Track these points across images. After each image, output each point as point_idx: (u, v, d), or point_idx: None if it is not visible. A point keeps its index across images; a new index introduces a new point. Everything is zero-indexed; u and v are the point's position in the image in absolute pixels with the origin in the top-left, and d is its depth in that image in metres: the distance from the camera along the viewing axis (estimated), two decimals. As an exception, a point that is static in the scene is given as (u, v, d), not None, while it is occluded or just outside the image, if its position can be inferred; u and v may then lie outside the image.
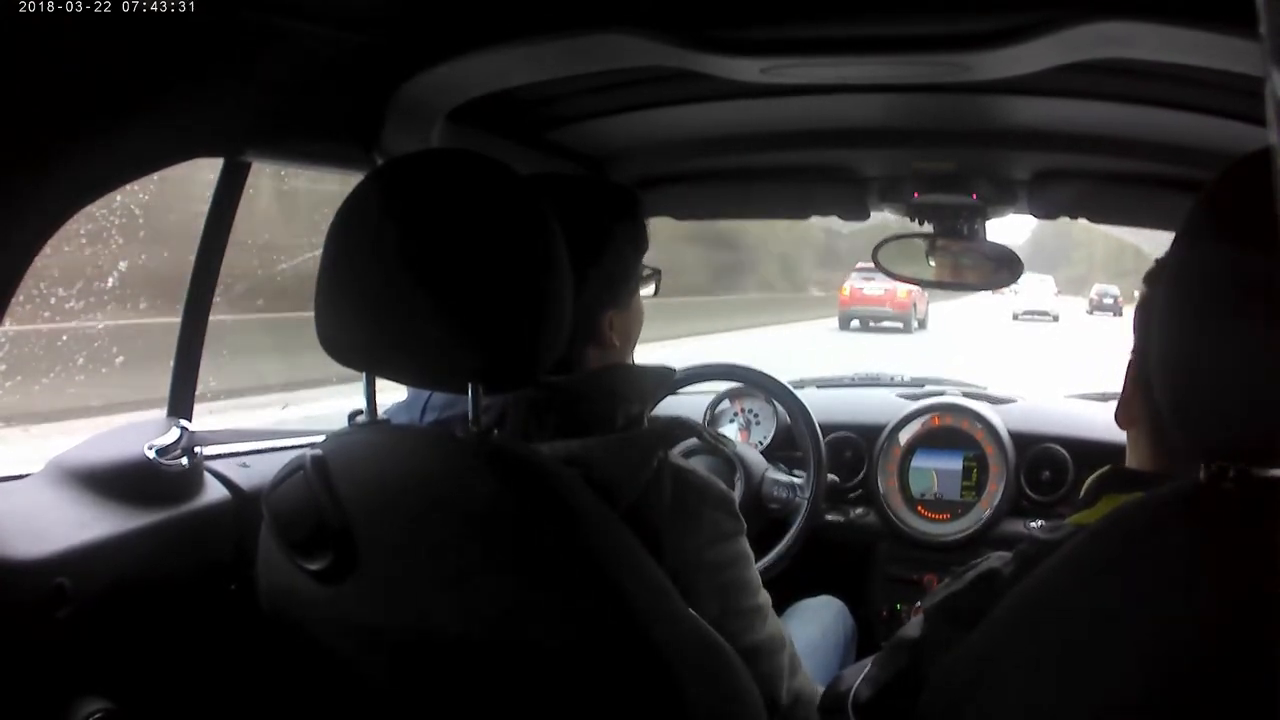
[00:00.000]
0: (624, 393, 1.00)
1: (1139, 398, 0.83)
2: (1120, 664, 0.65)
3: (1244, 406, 0.62)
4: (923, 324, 19.91)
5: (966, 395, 2.15)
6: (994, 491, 1.96)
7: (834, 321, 19.40)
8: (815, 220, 2.06)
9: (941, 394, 2.17)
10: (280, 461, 0.93)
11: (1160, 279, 0.70)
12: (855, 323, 19.15)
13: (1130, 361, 0.85)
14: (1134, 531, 0.70)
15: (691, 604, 0.91)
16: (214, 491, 1.14)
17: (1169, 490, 0.71)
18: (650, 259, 1.13)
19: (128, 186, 0.96)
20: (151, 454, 1.07)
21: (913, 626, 0.88)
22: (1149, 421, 0.82)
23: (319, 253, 0.89)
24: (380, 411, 0.95)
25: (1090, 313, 29.89)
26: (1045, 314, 25.69)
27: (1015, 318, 25.39)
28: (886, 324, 18.79)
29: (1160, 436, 0.82)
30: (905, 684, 0.85)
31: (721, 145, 1.63)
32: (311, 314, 0.90)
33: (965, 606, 0.81)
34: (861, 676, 0.91)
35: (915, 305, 19.05)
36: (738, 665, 0.92)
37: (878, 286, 17.62)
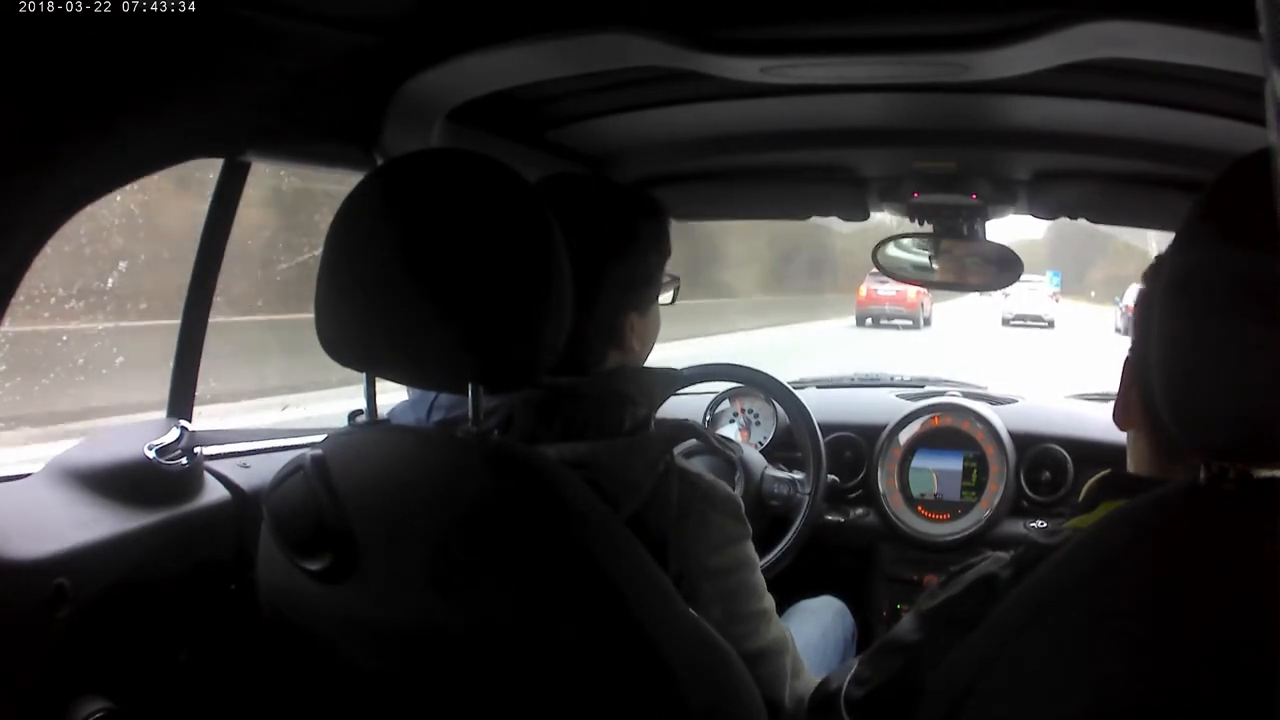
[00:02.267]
0: (631, 395, 1.00)
1: (1137, 398, 0.83)
2: (1119, 666, 0.65)
3: (1244, 406, 0.62)
4: (928, 321, 21.40)
5: (966, 395, 2.15)
6: (994, 492, 1.97)
7: (851, 320, 21.24)
8: (814, 220, 2.06)
9: (942, 394, 2.17)
10: (280, 461, 0.93)
11: (1160, 276, 0.70)
12: (869, 320, 20.93)
13: (1127, 361, 0.84)
14: (1133, 532, 0.69)
15: (695, 608, 0.91)
16: (214, 491, 1.14)
17: (1168, 491, 0.71)
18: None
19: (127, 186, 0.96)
20: (151, 454, 1.07)
21: (906, 629, 0.86)
22: (1148, 422, 0.82)
23: (319, 252, 0.89)
24: (383, 411, 0.95)
25: (1125, 332, 21.11)
26: (1039, 319, 24.62)
27: (1005, 322, 24.48)
28: (898, 322, 20.49)
29: (1160, 437, 0.81)
30: (900, 688, 0.84)
31: (721, 145, 1.63)
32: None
33: (963, 613, 0.80)
34: (850, 676, 0.90)
35: (923, 304, 20.84)
36: (739, 667, 0.92)
37: (891, 288, 18.95)
